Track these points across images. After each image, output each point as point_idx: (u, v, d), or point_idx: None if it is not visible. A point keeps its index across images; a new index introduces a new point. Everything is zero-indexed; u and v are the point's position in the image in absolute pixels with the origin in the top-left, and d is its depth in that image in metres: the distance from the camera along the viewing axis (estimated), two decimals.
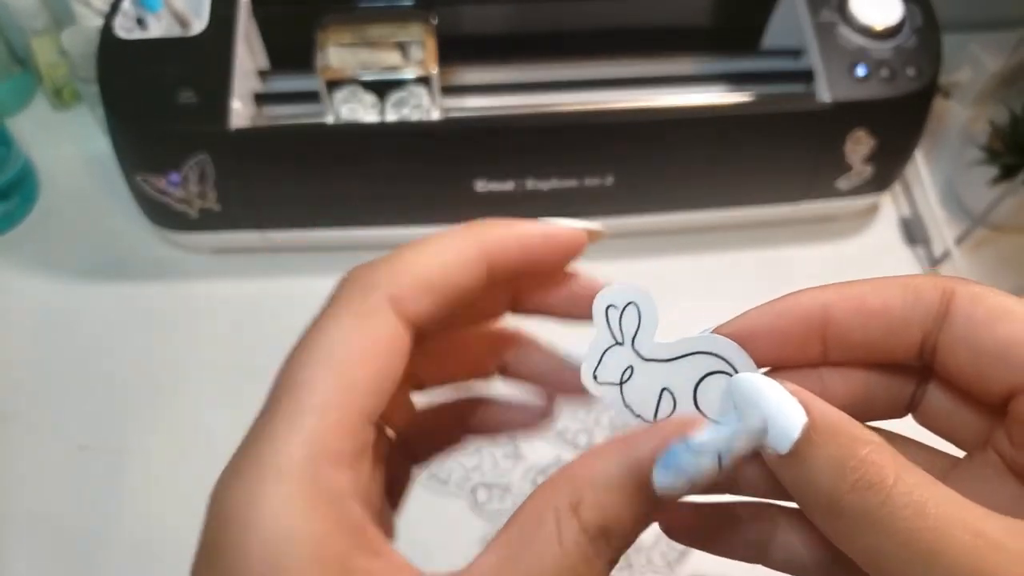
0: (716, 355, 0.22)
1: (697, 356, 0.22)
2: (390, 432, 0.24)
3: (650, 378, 0.22)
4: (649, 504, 0.19)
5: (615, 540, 0.19)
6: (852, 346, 0.20)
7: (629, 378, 0.22)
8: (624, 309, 0.22)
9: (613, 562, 0.19)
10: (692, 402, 0.22)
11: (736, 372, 0.22)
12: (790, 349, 0.21)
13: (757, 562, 0.22)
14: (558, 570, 0.18)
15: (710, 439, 0.18)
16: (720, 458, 0.18)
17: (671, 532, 0.22)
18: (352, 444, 0.18)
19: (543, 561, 0.18)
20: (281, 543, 0.17)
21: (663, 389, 0.22)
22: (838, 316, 0.20)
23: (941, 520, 0.17)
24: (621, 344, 0.22)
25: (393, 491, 0.24)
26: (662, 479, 0.18)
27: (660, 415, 0.22)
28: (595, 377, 0.22)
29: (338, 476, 0.18)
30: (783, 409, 0.19)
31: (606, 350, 0.22)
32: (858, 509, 0.17)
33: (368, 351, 0.19)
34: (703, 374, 0.22)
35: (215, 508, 0.18)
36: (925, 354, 0.20)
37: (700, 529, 0.23)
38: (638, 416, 0.23)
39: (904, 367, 0.22)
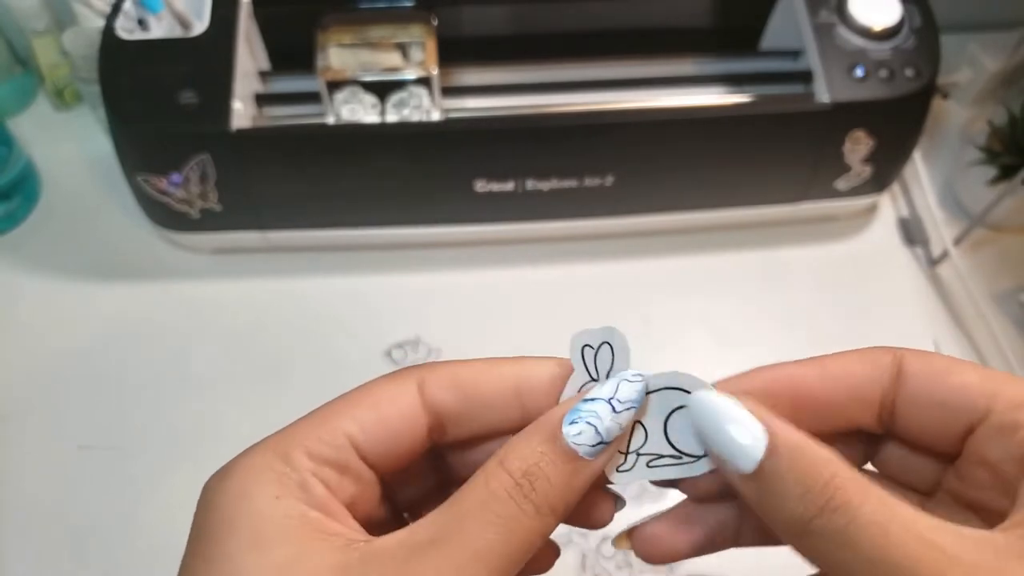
0: (685, 391, 0.23)
1: (667, 391, 0.23)
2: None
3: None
4: (568, 457, 0.21)
5: (540, 486, 0.21)
6: (820, 409, 0.22)
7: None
8: (599, 349, 0.24)
9: (548, 515, 0.21)
10: (663, 434, 0.23)
11: None
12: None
13: (732, 547, 0.24)
14: (484, 504, 0.20)
15: (599, 390, 0.22)
16: (612, 406, 0.22)
17: (650, 557, 0.24)
18: (333, 454, 0.22)
19: (472, 501, 0.20)
20: (254, 508, 0.20)
21: (636, 422, 0.24)
22: (804, 380, 0.22)
23: (903, 536, 0.18)
24: (596, 381, 0.24)
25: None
26: (568, 429, 0.21)
27: (633, 447, 0.24)
28: None
29: (308, 464, 0.21)
30: (744, 429, 0.20)
31: (582, 387, 0.24)
32: (825, 530, 0.18)
33: (376, 399, 0.23)
34: (672, 408, 0.23)
35: (205, 490, 0.21)
36: (883, 416, 0.22)
37: (674, 545, 0.24)
38: None
39: (859, 431, 0.23)
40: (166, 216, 0.56)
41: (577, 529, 0.49)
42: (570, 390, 0.24)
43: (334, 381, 0.58)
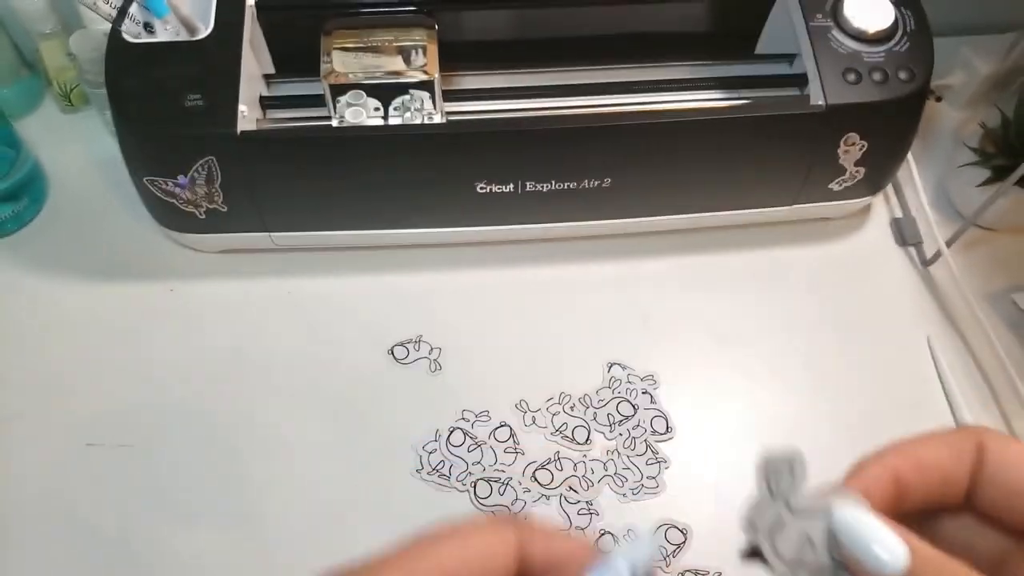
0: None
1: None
2: None
3: (796, 529, 0.26)
4: None
5: None
6: (916, 500, 0.24)
7: (779, 529, 0.26)
8: (779, 470, 0.26)
9: None
10: (826, 549, 0.25)
11: None
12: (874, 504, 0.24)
13: None
14: None
15: (621, 552, 0.22)
16: (634, 569, 0.22)
17: None
18: None
19: None
20: None
21: (806, 538, 0.25)
22: (904, 476, 0.24)
23: None
24: (773, 499, 0.26)
25: None
26: None
27: (803, 559, 0.26)
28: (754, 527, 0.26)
29: None
30: (888, 543, 0.22)
31: (761, 503, 0.26)
32: None
33: (468, 546, 0.22)
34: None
35: None
36: (967, 496, 0.24)
37: None
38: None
39: None
40: (172, 217, 0.57)
41: (577, 525, 0.50)
42: (752, 505, 0.26)
43: (338, 379, 0.59)
